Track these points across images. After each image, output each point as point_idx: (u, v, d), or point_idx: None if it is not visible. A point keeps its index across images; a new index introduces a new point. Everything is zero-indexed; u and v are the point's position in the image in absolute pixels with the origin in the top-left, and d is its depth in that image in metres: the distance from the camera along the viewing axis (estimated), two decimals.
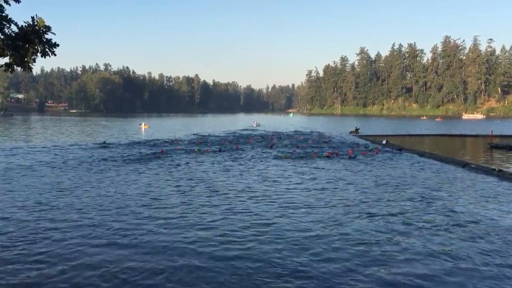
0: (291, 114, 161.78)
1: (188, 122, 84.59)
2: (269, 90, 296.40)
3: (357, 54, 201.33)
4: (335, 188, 14.59)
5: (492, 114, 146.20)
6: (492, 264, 7.52)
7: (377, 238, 8.92)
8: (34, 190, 13.72)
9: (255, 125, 65.85)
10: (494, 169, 18.15)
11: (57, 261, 7.52)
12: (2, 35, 5.96)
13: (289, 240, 8.75)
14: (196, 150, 26.62)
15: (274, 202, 12.31)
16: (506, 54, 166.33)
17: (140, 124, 58.36)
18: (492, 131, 35.95)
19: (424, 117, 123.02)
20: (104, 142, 31.16)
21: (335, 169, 19.29)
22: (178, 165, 20.10)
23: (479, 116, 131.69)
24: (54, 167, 18.76)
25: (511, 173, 17.39)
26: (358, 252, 8.09)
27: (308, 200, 12.68)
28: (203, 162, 21.31)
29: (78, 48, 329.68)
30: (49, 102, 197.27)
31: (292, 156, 24.30)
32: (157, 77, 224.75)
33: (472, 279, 6.93)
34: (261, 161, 22.29)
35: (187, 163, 20.85)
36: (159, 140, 34.30)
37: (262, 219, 10.32)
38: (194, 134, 42.80)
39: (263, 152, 26.49)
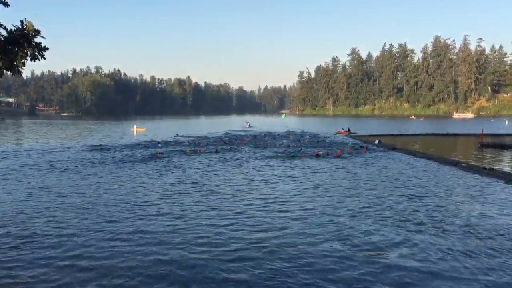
0: (283, 115, 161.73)
1: (182, 124, 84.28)
2: (261, 91, 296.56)
3: (348, 55, 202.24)
4: (323, 187, 14.67)
5: (482, 113, 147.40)
6: (480, 261, 7.59)
7: (367, 237, 8.97)
8: (26, 193, 13.64)
9: (247, 126, 66.02)
10: (484, 168, 18.30)
11: (48, 265, 7.50)
12: None
13: (281, 241, 8.78)
14: (187, 150, 26.87)
15: (264, 201, 12.33)
16: (496, 53, 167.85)
17: (132, 127, 57.80)
18: (482, 130, 36.23)
19: (413, 117, 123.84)
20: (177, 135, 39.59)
21: (323, 168, 19.58)
22: (174, 166, 20.15)
23: (469, 115, 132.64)
24: (47, 171, 18.65)
25: (502, 172, 17.55)
26: (349, 251, 8.13)
27: (298, 199, 12.73)
28: (197, 163, 21.35)
29: (70, 50, 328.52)
30: (40, 105, 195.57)
31: (283, 155, 24.67)
32: (148, 79, 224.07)
33: (457, 277, 7.00)
34: (253, 161, 22.48)
35: (181, 164, 20.87)
36: (151, 142, 34.19)
37: (253, 219, 10.34)
38: (177, 136, 42.85)
39: (255, 152, 26.76)
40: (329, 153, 25.68)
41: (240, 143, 33.94)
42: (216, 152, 26.77)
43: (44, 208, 11.69)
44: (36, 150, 28.23)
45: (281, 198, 13.07)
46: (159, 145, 31.86)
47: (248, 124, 69.58)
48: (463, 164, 19.92)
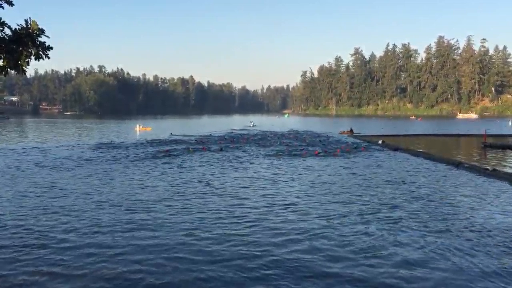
0: (286, 115, 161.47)
1: (185, 123, 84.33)
2: (264, 91, 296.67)
3: (352, 55, 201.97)
4: (323, 187, 14.72)
5: (486, 113, 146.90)
6: (476, 262, 7.58)
7: (363, 235, 8.98)
8: (30, 191, 13.69)
9: (251, 125, 66.77)
10: (487, 169, 18.24)
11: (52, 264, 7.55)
12: None
13: (278, 237, 8.80)
14: (190, 149, 27.30)
15: (266, 200, 12.35)
16: (500, 53, 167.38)
17: (135, 127, 57.70)
18: (486, 130, 36.11)
19: (413, 117, 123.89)
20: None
21: (323, 167, 19.89)
22: (179, 165, 20.47)
23: (473, 115, 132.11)
24: (49, 168, 18.71)
25: (505, 173, 17.50)
26: (350, 252, 8.14)
27: (299, 199, 12.76)
28: (202, 161, 21.67)
29: (72, 50, 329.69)
30: (44, 104, 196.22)
31: (285, 154, 25.10)
32: (151, 78, 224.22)
33: (455, 278, 7.00)
34: (256, 159, 22.88)
35: (185, 162, 21.20)
36: (155, 140, 34.30)
37: (251, 216, 10.37)
38: (171, 134, 43.26)
39: (258, 151, 27.20)
40: (327, 151, 26.35)
41: (243, 142, 34.38)
42: (221, 150, 27.24)
43: (50, 207, 11.75)
44: (40, 148, 28.33)
45: (282, 197, 13.06)
46: (163, 143, 32.06)
47: (252, 124, 70.24)
48: (465, 165, 19.86)
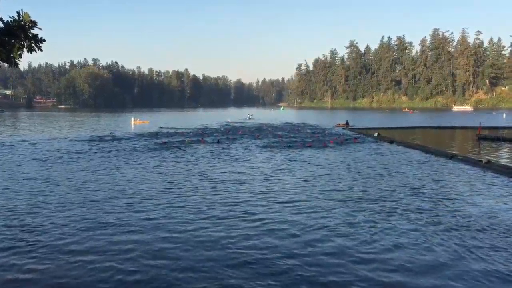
0: (282, 108, 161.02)
1: (181, 116, 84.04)
2: (259, 84, 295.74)
3: (347, 47, 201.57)
4: (316, 178, 14.85)
5: (480, 106, 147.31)
6: (469, 251, 7.64)
7: (359, 227, 9.03)
8: (24, 184, 13.65)
9: (248, 118, 68.15)
10: (481, 161, 18.33)
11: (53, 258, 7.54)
12: None
13: (274, 229, 8.83)
14: (186, 140, 28.03)
15: (257, 194, 12.39)
16: (494, 46, 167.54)
17: (131, 120, 57.35)
18: (480, 123, 36.26)
19: (406, 109, 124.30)
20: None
21: (317, 159, 20.14)
22: (176, 158, 20.50)
23: (469, 108, 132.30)
24: (42, 161, 18.65)
25: (499, 165, 17.60)
26: (341, 242, 8.18)
27: (293, 191, 12.81)
28: (197, 153, 21.69)
29: (65, 43, 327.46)
30: (38, 97, 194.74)
31: (280, 146, 25.54)
32: (146, 71, 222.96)
33: (448, 268, 7.06)
34: (252, 151, 23.19)
35: (182, 155, 21.33)
36: (152, 133, 34.28)
37: (245, 210, 10.40)
38: (160, 127, 43.40)
39: (254, 143, 27.56)
40: (319, 143, 26.81)
41: (240, 134, 34.85)
42: (218, 142, 27.64)
43: (42, 202, 11.73)
44: (34, 141, 28.19)
45: (276, 190, 13.11)
46: (161, 136, 32.11)
47: (249, 116, 71.30)
48: (459, 157, 19.95)
